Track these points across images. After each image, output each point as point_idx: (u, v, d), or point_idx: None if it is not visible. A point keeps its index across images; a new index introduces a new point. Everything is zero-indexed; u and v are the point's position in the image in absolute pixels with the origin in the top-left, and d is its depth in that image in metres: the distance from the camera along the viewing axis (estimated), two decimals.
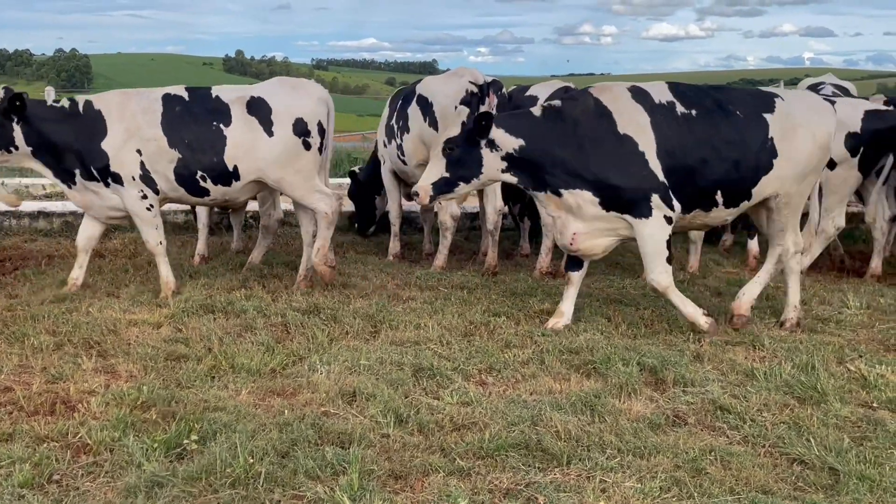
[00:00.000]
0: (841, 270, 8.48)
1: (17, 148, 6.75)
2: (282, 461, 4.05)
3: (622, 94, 6.06)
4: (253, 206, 8.67)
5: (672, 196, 5.94)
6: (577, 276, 6.42)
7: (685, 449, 4.24)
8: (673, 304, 6.21)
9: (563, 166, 5.92)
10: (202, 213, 8.65)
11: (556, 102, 6.13)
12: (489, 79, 8.71)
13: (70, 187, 6.96)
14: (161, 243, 7.09)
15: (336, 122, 7.67)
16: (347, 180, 10.29)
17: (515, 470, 4.04)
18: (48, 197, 11.56)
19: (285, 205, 8.73)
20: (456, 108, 7.12)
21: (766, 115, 6.17)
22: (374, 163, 9.56)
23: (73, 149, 6.77)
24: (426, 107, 7.97)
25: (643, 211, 5.92)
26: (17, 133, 6.69)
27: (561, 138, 5.93)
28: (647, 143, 5.91)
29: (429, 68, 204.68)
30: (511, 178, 6.09)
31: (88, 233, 7.27)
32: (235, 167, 6.94)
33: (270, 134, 6.99)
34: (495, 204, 8.15)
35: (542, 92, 8.67)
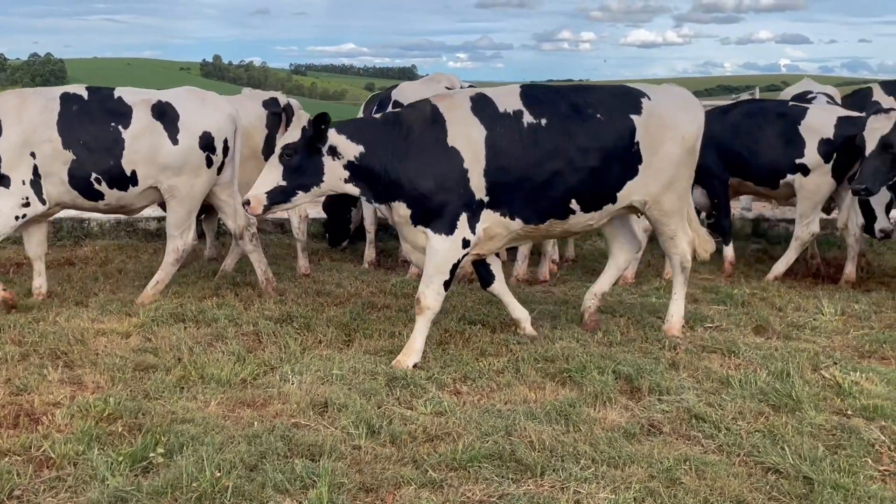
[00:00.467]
0: (816, 277, 8.50)
1: None
2: (250, 474, 3.96)
3: (461, 103, 5.68)
4: None
5: (480, 218, 5.61)
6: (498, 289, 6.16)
7: (660, 458, 4.20)
8: (414, 328, 5.67)
9: (391, 175, 5.55)
10: None
11: (398, 109, 5.79)
12: (465, 84, 8.70)
13: None
14: None
15: None
16: None
17: (488, 481, 3.98)
18: None
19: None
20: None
21: (633, 117, 5.87)
22: None
23: None
24: None
25: (445, 227, 5.55)
26: None
27: (394, 146, 5.56)
28: (474, 160, 5.55)
29: (408, 73, 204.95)
30: (354, 189, 5.66)
31: (35, 239, 7.09)
32: (134, 171, 6.74)
33: (175, 142, 6.81)
34: None
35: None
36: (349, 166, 5.58)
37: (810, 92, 9.70)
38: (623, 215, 6.32)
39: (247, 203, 5.61)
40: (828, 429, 4.61)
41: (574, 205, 5.81)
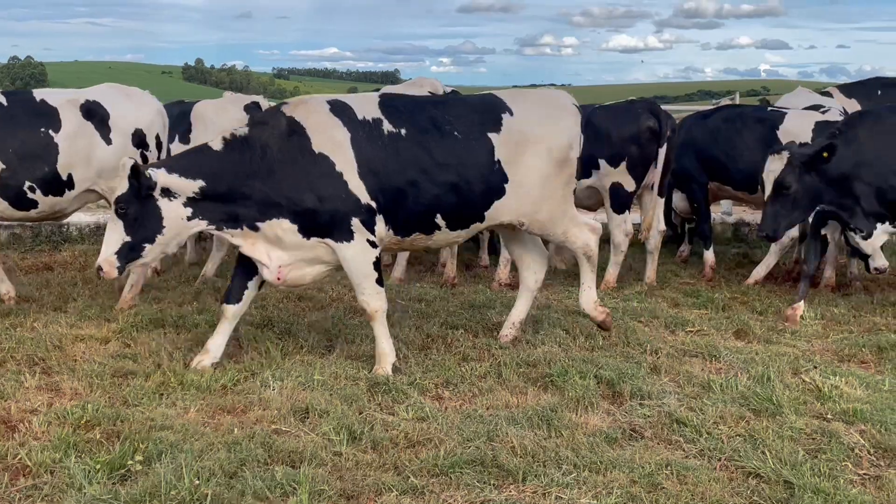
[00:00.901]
0: (796, 281, 8.53)
1: None
2: (229, 482, 3.93)
3: (318, 109, 5.46)
4: None
5: (376, 220, 5.40)
6: (232, 311, 5.63)
7: (641, 463, 4.20)
8: (374, 332, 5.57)
9: (256, 197, 5.30)
10: None
11: (242, 130, 5.44)
12: (449, 89, 8.69)
13: None
14: None
15: None
16: None
17: (470, 487, 3.97)
18: None
19: None
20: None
21: (491, 136, 5.61)
22: None
23: None
24: None
25: (344, 235, 5.36)
26: None
27: (249, 168, 5.29)
28: (346, 162, 5.32)
29: (391, 78, 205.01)
30: (201, 224, 5.35)
31: None
32: (70, 175, 6.53)
33: (108, 142, 6.65)
34: None
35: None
36: (190, 202, 5.28)
37: (822, 106, 9.42)
38: (521, 235, 6.13)
39: (100, 269, 5.27)
40: (808, 433, 4.63)
41: (439, 220, 5.60)
